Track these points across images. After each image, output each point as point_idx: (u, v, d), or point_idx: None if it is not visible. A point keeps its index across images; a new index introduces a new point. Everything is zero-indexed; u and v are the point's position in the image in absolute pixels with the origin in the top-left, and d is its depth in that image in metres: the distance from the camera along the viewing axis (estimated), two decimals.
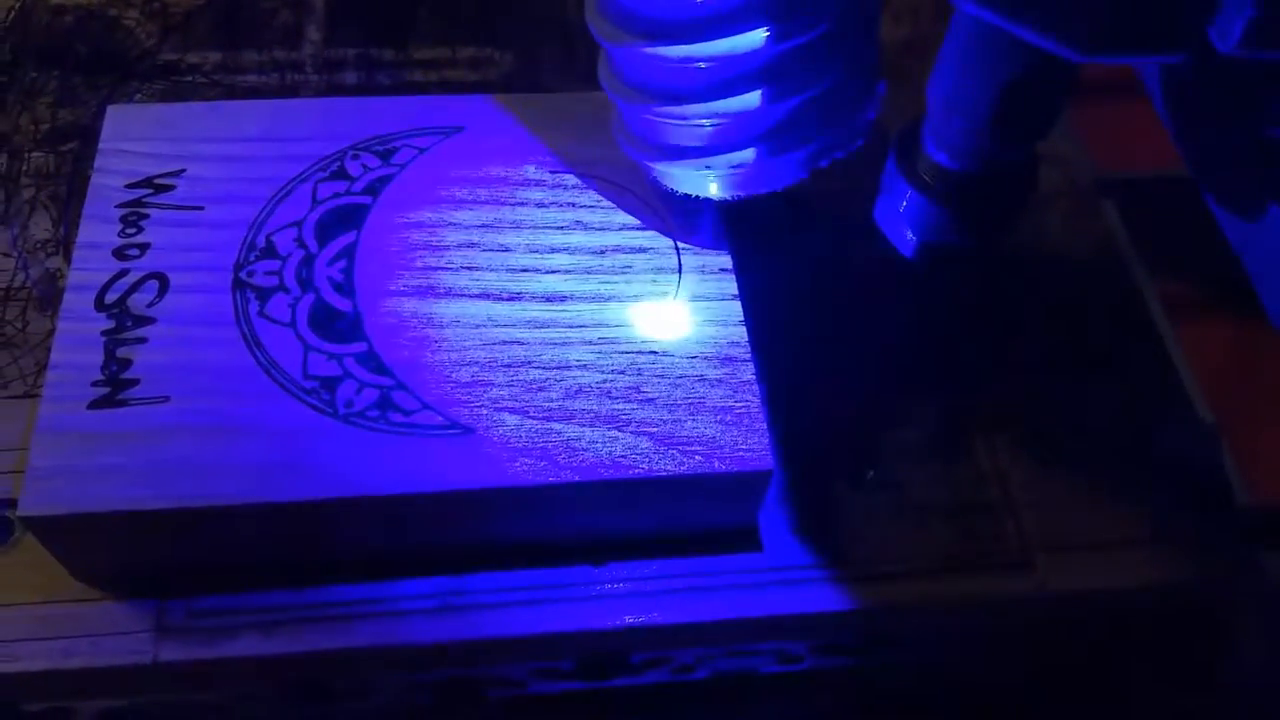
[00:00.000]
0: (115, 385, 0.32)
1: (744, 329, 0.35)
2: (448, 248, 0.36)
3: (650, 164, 0.36)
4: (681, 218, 0.37)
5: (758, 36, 0.31)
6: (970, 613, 0.36)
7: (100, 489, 0.31)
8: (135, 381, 0.33)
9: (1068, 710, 0.41)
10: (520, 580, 0.34)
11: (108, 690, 0.34)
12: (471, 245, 0.36)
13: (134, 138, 0.38)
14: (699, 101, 0.33)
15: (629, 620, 0.34)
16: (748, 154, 0.34)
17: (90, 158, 0.43)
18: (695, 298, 0.36)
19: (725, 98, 0.32)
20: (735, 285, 0.36)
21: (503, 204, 0.37)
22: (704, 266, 0.36)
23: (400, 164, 0.38)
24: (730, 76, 0.32)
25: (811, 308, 0.39)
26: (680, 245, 0.37)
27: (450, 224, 0.37)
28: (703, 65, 0.32)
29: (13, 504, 0.34)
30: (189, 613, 0.33)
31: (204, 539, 0.32)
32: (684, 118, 0.33)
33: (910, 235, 0.33)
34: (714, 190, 0.35)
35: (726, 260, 0.36)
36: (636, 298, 0.36)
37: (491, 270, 0.36)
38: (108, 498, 0.31)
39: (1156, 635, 0.38)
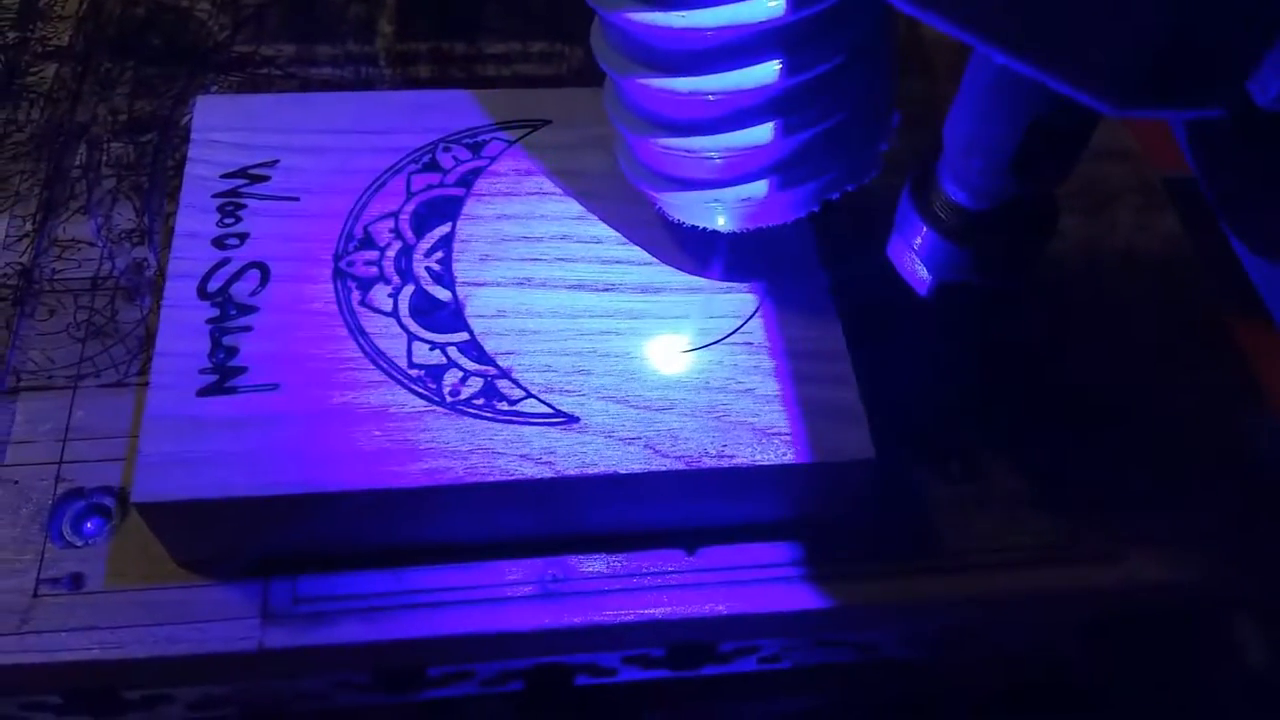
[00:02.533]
0: (223, 373, 0.33)
1: (838, 321, 0.35)
2: (541, 239, 0.37)
3: (656, 194, 0.35)
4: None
5: (769, 69, 0.30)
6: (1057, 604, 0.36)
7: (213, 475, 0.31)
8: (243, 369, 0.33)
9: (1142, 703, 0.41)
10: (616, 567, 0.35)
11: (211, 676, 0.34)
12: (564, 237, 0.37)
13: (225, 128, 0.38)
14: (708, 134, 0.32)
15: (722, 609, 0.34)
16: (758, 187, 0.33)
17: (170, 149, 0.43)
18: (789, 290, 0.36)
19: (735, 130, 0.32)
20: (827, 278, 0.36)
21: (593, 196, 0.38)
22: (796, 258, 0.37)
23: (490, 156, 0.38)
24: (741, 109, 0.31)
25: (899, 300, 0.39)
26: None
27: (541, 216, 0.37)
28: (712, 98, 0.31)
29: (112, 491, 0.35)
30: (294, 598, 0.33)
31: (313, 525, 0.32)
32: (692, 150, 0.33)
33: (924, 274, 0.32)
34: (721, 222, 0.35)
35: (817, 254, 0.37)
36: (729, 290, 0.36)
37: (585, 262, 0.36)
38: (220, 484, 0.31)
39: (1237, 628, 0.39)
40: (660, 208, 0.36)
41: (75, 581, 0.33)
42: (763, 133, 0.32)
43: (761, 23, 0.29)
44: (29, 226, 0.41)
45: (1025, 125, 0.27)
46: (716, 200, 0.34)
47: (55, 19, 0.47)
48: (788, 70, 0.30)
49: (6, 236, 0.40)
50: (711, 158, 0.33)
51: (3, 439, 0.36)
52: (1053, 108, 0.26)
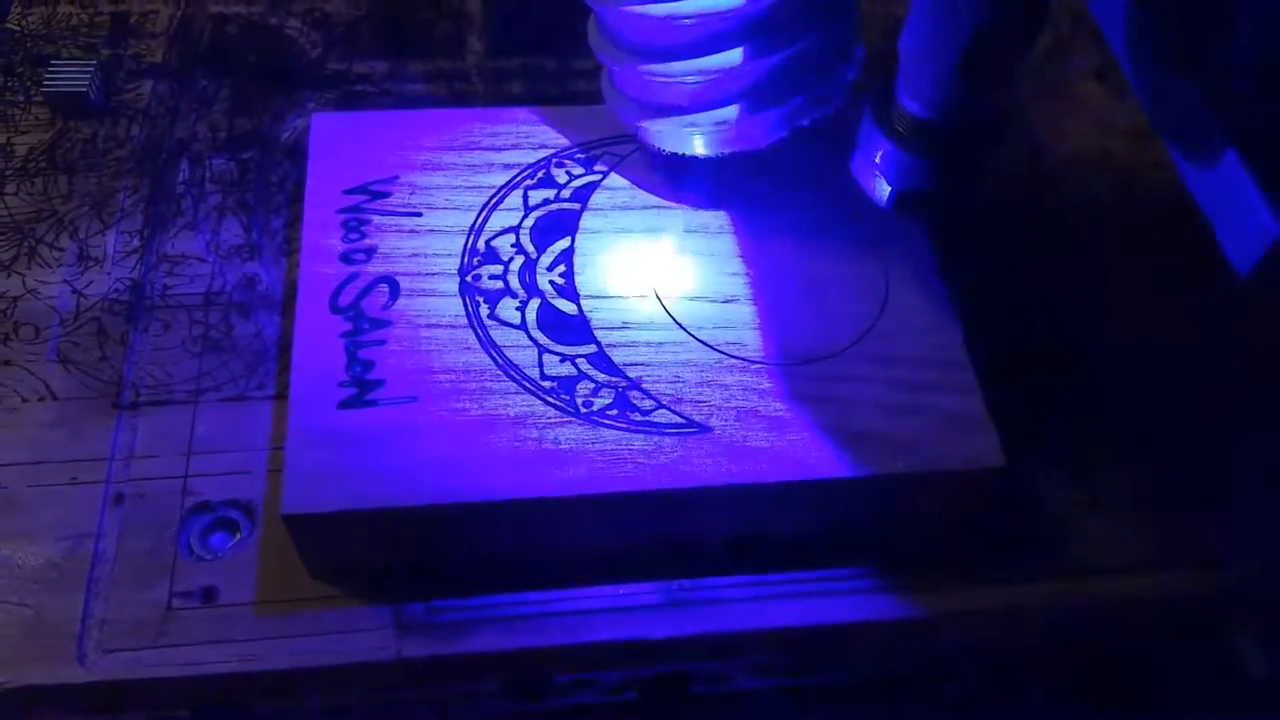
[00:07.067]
0: (362, 386, 0.33)
1: (959, 329, 0.36)
2: (659, 252, 0.37)
3: (637, 122, 0.37)
4: None
5: None
6: (1178, 607, 0.37)
7: (360, 487, 0.31)
8: (380, 382, 0.33)
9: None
10: (744, 575, 0.35)
11: (347, 687, 0.34)
12: (681, 250, 0.37)
13: (342, 145, 0.39)
14: (683, 59, 0.35)
15: (849, 616, 0.35)
16: (730, 111, 0.36)
17: (272, 165, 0.43)
18: (908, 300, 0.37)
19: (708, 54, 0.34)
20: (946, 288, 0.37)
21: (708, 210, 0.38)
22: (914, 269, 0.37)
23: (602, 171, 0.39)
24: (713, 33, 0.34)
25: (1017, 305, 0.40)
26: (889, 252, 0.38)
27: (658, 228, 0.38)
28: (687, 22, 0.34)
29: (240, 504, 0.35)
30: (428, 608, 0.34)
31: (451, 534, 0.33)
32: (669, 75, 0.35)
33: (885, 187, 0.35)
34: (699, 147, 0.37)
35: (934, 264, 0.37)
36: (849, 300, 0.37)
37: (705, 273, 0.37)
38: (368, 495, 0.31)
39: None
40: (642, 137, 0.38)
41: (207, 595, 0.34)
42: (734, 55, 0.34)
43: None
44: (136, 242, 0.41)
45: (969, 32, 0.30)
46: (693, 124, 0.36)
47: (147, 36, 0.48)
48: None
49: (114, 252, 0.41)
50: (687, 82, 0.35)
51: (127, 453, 0.36)
52: (990, 15, 0.29)
